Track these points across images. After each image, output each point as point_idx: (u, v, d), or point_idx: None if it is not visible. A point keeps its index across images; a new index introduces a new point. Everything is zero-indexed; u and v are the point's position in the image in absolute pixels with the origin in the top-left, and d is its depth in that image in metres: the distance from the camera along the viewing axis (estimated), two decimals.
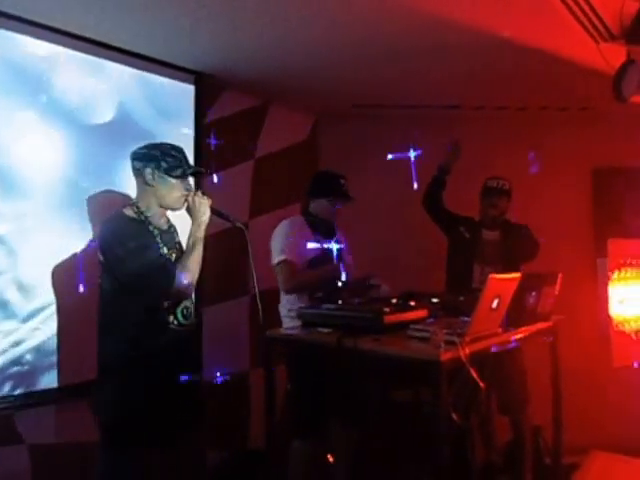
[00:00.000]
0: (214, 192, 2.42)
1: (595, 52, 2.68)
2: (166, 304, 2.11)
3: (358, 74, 3.26)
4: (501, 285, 1.99)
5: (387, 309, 2.16)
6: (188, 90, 3.29)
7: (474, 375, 1.80)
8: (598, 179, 3.97)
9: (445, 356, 1.76)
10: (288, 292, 2.80)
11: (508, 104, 3.69)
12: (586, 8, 2.39)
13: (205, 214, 2.15)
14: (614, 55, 2.67)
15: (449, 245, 3.37)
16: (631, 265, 2.68)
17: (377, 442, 2.94)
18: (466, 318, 2.04)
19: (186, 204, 2.17)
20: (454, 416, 1.87)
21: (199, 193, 2.19)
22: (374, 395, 2.78)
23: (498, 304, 2.04)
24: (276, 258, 2.78)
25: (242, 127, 3.69)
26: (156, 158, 2.11)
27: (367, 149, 3.85)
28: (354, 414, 2.75)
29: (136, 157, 2.15)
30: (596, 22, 2.49)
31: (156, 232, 2.15)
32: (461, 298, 2.43)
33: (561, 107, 3.65)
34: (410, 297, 2.48)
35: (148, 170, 2.11)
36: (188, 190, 2.19)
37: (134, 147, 2.18)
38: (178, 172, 2.13)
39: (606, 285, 2.64)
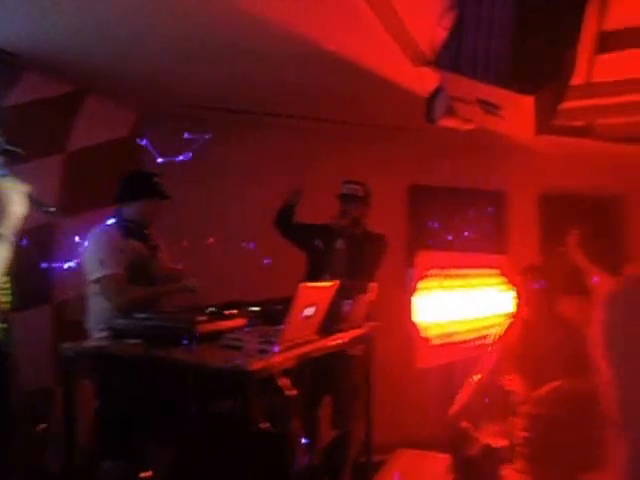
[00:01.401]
0: None
1: (413, 75, 2.90)
2: None
3: (182, 71, 3.10)
4: (316, 294, 2.00)
5: (200, 318, 2.05)
6: None
7: (285, 382, 1.76)
8: (413, 195, 4.33)
9: (255, 365, 1.71)
10: (121, 308, 2.52)
11: (328, 116, 3.80)
12: (403, 32, 2.57)
13: (16, 204, 1.78)
14: (431, 79, 2.91)
15: (306, 258, 3.34)
16: (434, 275, 2.97)
17: (196, 458, 2.78)
18: (282, 326, 2.02)
19: None
20: (266, 425, 1.82)
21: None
22: (190, 408, 2.63)
23: (314, 312, 2.05)
24: (96, 273, 2.52)
25: (50, 115, 3.25)
26: None
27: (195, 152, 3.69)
28: (169, 430, 2.56)
29: None
30: (413, 46, 2.69)
31: None
32: (279, 307, 2.42)
33: (379, 124, 3.87)
34: (230, 306, 2.41)
35: None
36: None
37: None
38: None
39: (413, 294, 2.89)
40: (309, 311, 1.98)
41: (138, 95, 3.59)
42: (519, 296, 2.61)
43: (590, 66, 2.87)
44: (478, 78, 1.97)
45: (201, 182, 3.77)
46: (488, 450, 2.54)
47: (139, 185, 2.71)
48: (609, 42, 2.60)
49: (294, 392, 1.85)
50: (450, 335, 3.18)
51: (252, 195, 3.81)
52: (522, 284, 2.59)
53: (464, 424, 2.46)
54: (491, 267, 3.86)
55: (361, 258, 3.13)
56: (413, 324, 2.84)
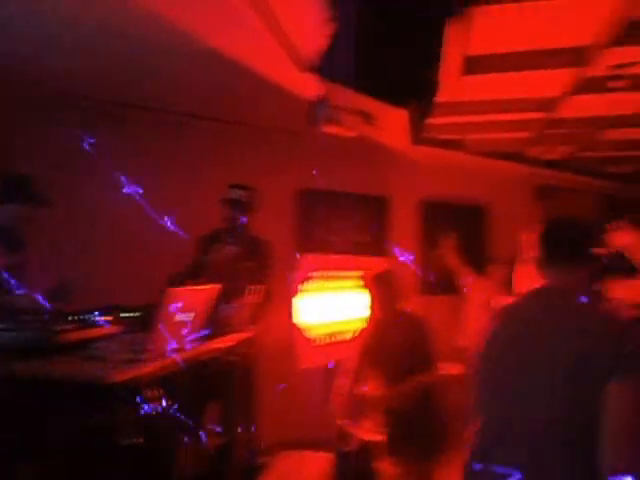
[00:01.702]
0: None
1: (299, 79, 2.93)
2: None
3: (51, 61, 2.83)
4: (190, 298, 1.94)
5: (64, 327, 1.89)
6: None
7: (153, 394, 1.68)
8: (301, 199, 4.37)
9: (116, 377, 1.60)
10: None
11: (214, 115, 3.71)
12: (287, 37, 2.59)
13: None
14: (315, 85, 2.95)
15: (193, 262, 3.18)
16: (316, 278, 3.04)
17: (68, 476, 2.56)
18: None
19: None
20: (138, 439, 1.72)
21: None
22: (59, 423, 2.41)
23: (191, 317, 1.99)
24: None
25: None
26: None
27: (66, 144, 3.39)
28: (38, 446, 2.33)
29: None
30: (297, 52, 2.72)
31: None
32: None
33: (266, 126, 3.86)
34: (108, 311, 2.25)
35: None
36: None
37: None
38: None
39: (295, 296, 2.93)
40: (184, 316, 1.91)
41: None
42: (372, 300, 2.75)
43: (458, 86, 3.12)
44: (356, 89, 2.05)
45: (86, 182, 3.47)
46: (363, 445, 2.65)
47: (15, 188, 2.46)
48: (473, 65, 2.85)
49: (165, 403, 1.77)
50: (331, 335, 3.29)
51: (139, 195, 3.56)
52: (373, 288, 2.74)
53: (342, 421, 2.54)
54: (372, 269, 4.05)
55: (247, 263, 3.09)
56: (295, 326, 2.89)
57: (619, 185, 6.34)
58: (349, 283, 2.89)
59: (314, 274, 2.95)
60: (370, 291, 2.72)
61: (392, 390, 2.53)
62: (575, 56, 2.81)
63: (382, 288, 2.72)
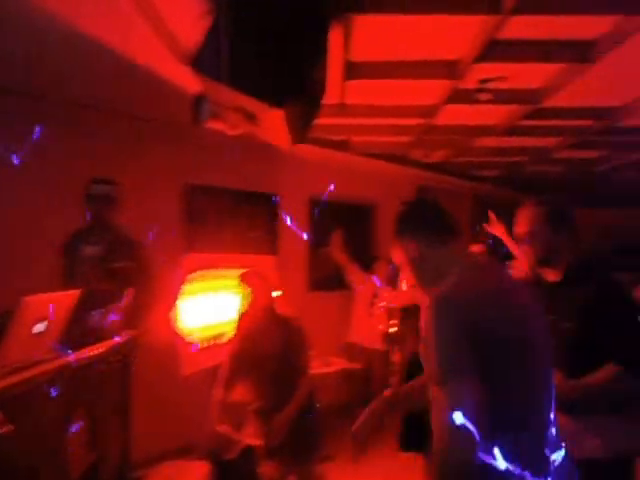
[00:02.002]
0: None
1: (182, 73, 2.77)
2: None
3: None
4: (46, 307, 1.76)
5: None
6: None
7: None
8: (189, 196, 4.17)
9: None
10: None
11: (88, 102, 3.42)
12: (165, 27, 2.45)
13: None
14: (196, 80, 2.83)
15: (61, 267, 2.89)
16: (197, 278, 2.91)
17: None
18: None
19: None
20: None
21: None
22: None
23: (47, 327, 1.81)
24: None
25: None
26: None
27: None
28: None
29: None
30: (176, 43, 2.58)
31: None
32: None
33: (147, 118, 3.64)
34: None
35: None
36: None
37: None
38: None
39: (177, 298, 2.78)
40: (40, 327, 1.73)
41: None
42: (243, 300, 2.67)
43: (342, 89, 3.19)
44: (233, 86, 1.99)
45: None
46: (246, 451, 2.60)
47: None
48: (355, 71, 2.92)
49: (7, 428, 1.57)
50: (214, 338, 3.19)
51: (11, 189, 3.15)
52: (244, 289, 2.66)
53: (223, 428, 2.46)
54: (260, 267, 4.01)
55: (114, 265, 2.88)
56: (176, 330, 2.74)
57: (488, 187, 6.95)
58: (232, 282, 2.79)
59: (196, 274, 2.82)
60: (241, 292, 2.61)
61: (276, 425, 2.45)
62: (448, 69, 2.99)
63: (253, 289, 2.61)
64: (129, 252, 2.94)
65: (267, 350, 2.51)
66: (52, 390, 2.19)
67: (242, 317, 2.60)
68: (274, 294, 2.71)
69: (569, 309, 1.75)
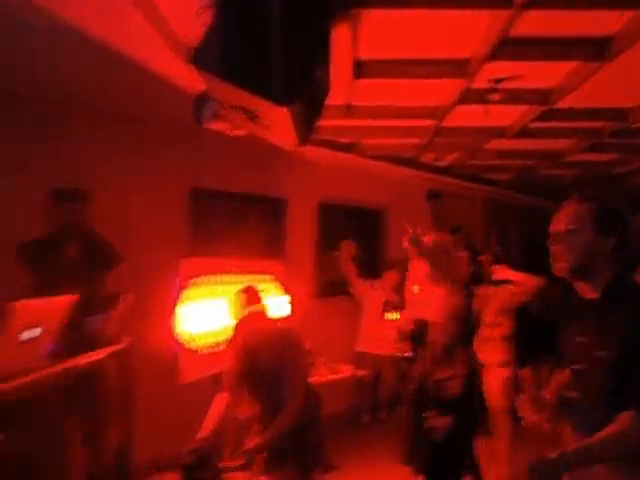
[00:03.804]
0: None
1: (185, 72, 2.71)
2: None
3: None
4: (38, 312, 1.69)
5: None
6: None
7: None
8: (196, 199, 4.09)
9: None
10: None
11: (87, 103, 3.36)
12: (166, 25, 2.39)
13: None
14: (198, 79, 2.76)
15: (31, 272, 2.79)
16: (198, 284, 2.83)
17: None
18: None
19: None
20: None
21: None
22: None
23: (40, 333, 1.74)
24: None
25: None
26: None
27: None
28: None
29: None
30: (178, 41, 2.51)
31: None
32: None
33: (146, 118, 3.57)
34: None
35: None
36: None
37: None
38: None
39: (178, 304, 2.70)
40: (30, 333, 1.66)
41: None
42: (236, 315, 2.60)
43: (350, 90, 3.10)
44: (235, 83, 1.91)
45: None
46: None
47: None
48: (363, 70, 2.84)
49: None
50: (217, 344, 3.09)
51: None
52: (237, 303, 2.59)
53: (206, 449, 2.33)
54: (266, 273, 3.92)
55: (91, 265, 2.79)
56: (177, 336, 2.65)
57: (501, 190, 6.81)
58: (236, 288, 2.72)
59: (198, 279, 2.74)
60: (233, 312, 2.54)
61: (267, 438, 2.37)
62: (458, 68, 2.90)
63: (244, 309, 2.55)
64: (102, 253, 2.85)
65: (265, 365, 2.42)
66: (44, 398, 2.13)
67: (238, 332, 2.53)
68: (284, 300, 2.64)
69: (607, 334, 1.44)
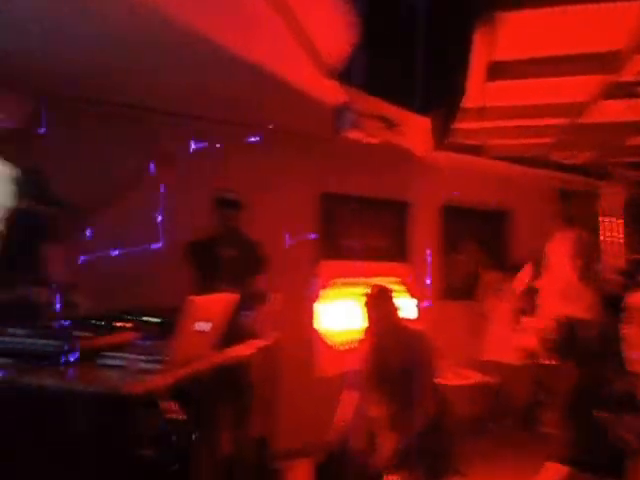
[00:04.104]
0: None
1: (323, 85, 2.87)
2: None
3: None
4: (209, 307, 1.91)
5: (80, 333, 1.85)
6: None
7: (170, 406, 1.65)
8: (326, 203, 4.28)
9: (132, 388, 1.55)
10: None
11: (236, 119, 3.68)
12: (311, 43, 2.55)
13: None
14: (339, 91, 2.88)
15: (195, 270, 3.13)
16: (337, 284, 2.97)
17: None
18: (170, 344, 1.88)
19: None
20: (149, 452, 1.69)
21: None
22: (70, 435, 2.37)
23: (211, 327, 1.96)
24: None
25: None
26: None
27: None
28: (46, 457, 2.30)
29: None
30: (321, 58, 2.67)
31: None
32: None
33: (289, 131, 3.80)
34: (127, 316, 2.20)
35: None
36: None
37: None
38: None
39: (316, 303, 2.87)
40: (203, 326, 1.88)
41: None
42: (369, 315, 2.66)
43: (482, 92, 3.06)
44: (379, 96, 2.01)
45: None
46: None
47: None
48: (499, 71, 2.79)
49: (181, 416, 1.72)
50: (352, 342, 3.22)
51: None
52: (371, 303, 2.64)
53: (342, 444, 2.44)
54: (393, 275, 3.99)
55: (247, 266, 3.05)
56: (315, 332, 2.83)
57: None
58: (368, 289, 2.82)
59: (335, 281, 2.90)
60: (366, 312, 2.62)
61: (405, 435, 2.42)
62: (602, 62, 2.73)
63: (377, 309, 2.61)
64: (256, 254, 3.09)
65: (395, 365, 2.48)
66: (208, 384, 2.39)
67: (369, 333, 2.62)
68: (410, 302, 2.69)
69: None
